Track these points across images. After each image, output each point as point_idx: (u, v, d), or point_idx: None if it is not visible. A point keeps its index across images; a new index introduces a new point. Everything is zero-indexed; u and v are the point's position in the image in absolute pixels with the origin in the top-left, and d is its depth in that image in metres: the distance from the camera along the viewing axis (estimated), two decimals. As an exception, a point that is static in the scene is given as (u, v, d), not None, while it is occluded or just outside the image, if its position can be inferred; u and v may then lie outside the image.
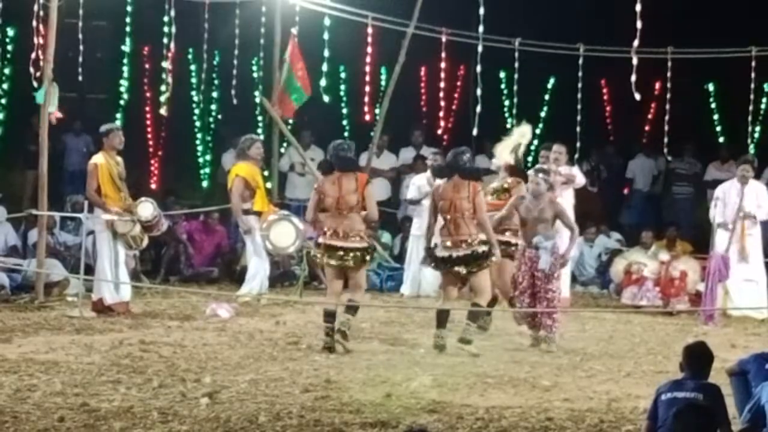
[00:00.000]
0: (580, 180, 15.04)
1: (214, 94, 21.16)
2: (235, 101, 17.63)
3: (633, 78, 12.57)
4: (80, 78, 15.89)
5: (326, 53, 16.11)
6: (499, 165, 12.48)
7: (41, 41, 13.71)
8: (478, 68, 14.48)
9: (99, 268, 12.94)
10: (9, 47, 19.97)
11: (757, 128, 19.30)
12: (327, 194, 11.01)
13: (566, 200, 14.78)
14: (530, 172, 11.84)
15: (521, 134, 12.63)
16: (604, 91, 22.59)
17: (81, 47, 15.38)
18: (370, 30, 16.18)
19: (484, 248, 10.93)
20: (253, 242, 14.03)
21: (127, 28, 16.69)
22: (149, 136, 21.54)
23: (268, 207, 14.22)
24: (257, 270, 14.05)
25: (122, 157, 13.22)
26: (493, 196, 12.07)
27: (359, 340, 11.82)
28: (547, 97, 22.05)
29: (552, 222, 11.62)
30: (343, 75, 21.63)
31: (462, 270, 10.99)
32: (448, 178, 11.23)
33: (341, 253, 10.91)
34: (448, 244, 11.03)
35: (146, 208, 13.01)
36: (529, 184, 11.68)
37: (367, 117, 17.75)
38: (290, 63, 15.87)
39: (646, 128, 21.79)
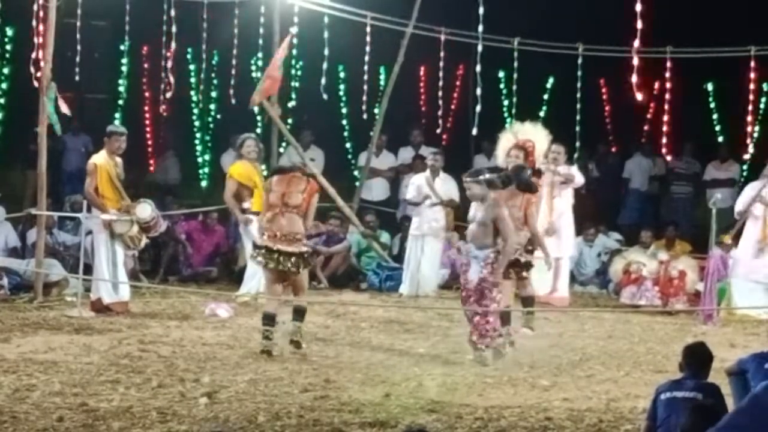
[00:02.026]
0: (579, 180, 15.04)
1: (213, 94, 21.16)
2: (234, 101, 17.64)
3: (634, 78, 12.58)
4: (78, 77, 15.90)
5: (325, 53, 16.10)
6: (516, 162, 12.49)
7: (40, 41, 13.69)
8: (478, 68, 14.47)
9: (96, 268, 12.94)
10: (8, 47, 20.00)
11: (757, 128, 19.30)
12: (273, 190, 10.82)
13: (565, 200, 14.81)
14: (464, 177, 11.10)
15: (534, 133, 12.71)
16: (603, 90, 22.62)
17: (79, 47, 15.38)
18: (369, 29, 16.17)
19: (529, 259, 11.64)
20: (251, 241, 14.00)
21: (126, 28, 16.67)
22: (148, 135, 21.55)
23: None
24: (256, 269, 14.02)
25: (121, 157, 13.20)
26: None
27: (358, 339, 11.83)
28: (546, 96, 22.08)
29: (492, 226, 10.61)
30: (342, 74, 21.64)
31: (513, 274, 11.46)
32: (505, 187, 11.36)
33: (282, 257, 10.65)
34: None
35: (144, 210, 13.00)
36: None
37: (366, 116, 17.74)
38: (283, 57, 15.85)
39: (645, 128, 21.82)
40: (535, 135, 12.68)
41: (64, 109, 13.61)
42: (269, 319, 10.78)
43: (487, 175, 10.75)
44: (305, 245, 10.92)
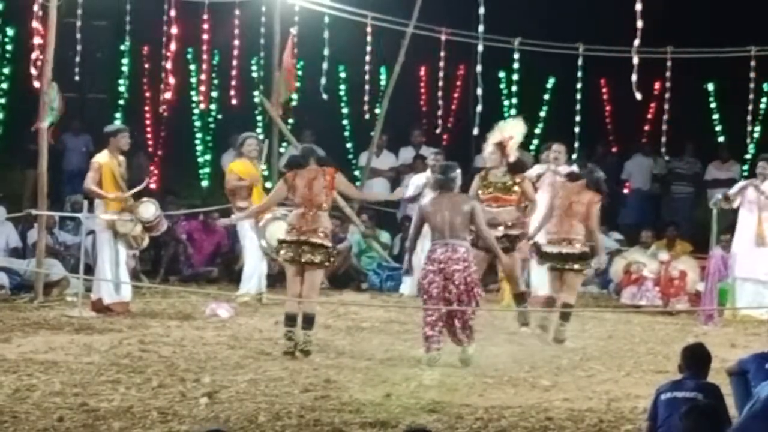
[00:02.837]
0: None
1: (214, 94, 21.16)
2: (234, 101, 17.62)
3: (634, 78, 12.58)
4: (79, 77, 15.89)
5: (326, 52, 16.10)
6: (492, 158, 12.48)
7: (41, 41, 13.69)
8: (479, 68, 14.48)
9: (99, 268, 12.93)
10: (9, 47, 20.00)
11: (757, 128, 19.30)
12: (298, 191, 10.78)
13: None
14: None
15: (514, 127, 12.67)
16: (604, 90, 22.61)
17: (79, 47, 15.38)
18: (369, 29, 16.17)
19: (586, 250, 11.79)
20: (248, 242, 13.99)
21: (127, 28, 16.68)
22: (149, 135, 21.55)
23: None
24: (253, 269, 14.01)
25: (127, 140, 13.18)
26: (496, 191, 12.22)
27: (358, 339, 11.82)
28: (546, 96, 22.06)
29: None
30: (342, 74, 21.64)
31: (567, 266, 11.77)
32: (574, 182, 12.12)
33: (302, 248, 10.63)
34: (554, 240, 11.89)
35: (148, 209, 13.00)
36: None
37: (367, 116, 17.74)
38: (285, 62, 15.88)
39: (646, 128, 21.81)
40: (514, 128, 12.62)
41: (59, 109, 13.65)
42: (291, 320, 10.75)
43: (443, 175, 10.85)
44: (329, 240, 10.81)
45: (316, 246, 10.66)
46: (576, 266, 11.80)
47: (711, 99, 22.02)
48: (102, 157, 12.99)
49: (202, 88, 19.04)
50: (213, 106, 21.56)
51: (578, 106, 16.32)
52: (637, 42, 12.30)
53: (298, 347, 10.67)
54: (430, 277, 10.53)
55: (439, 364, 10.38)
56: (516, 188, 12.20)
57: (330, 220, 11.05)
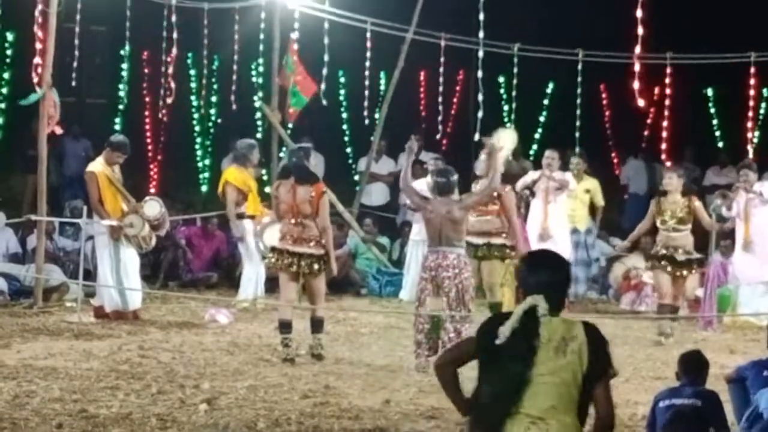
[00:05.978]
0: (573, 185, 15.05)
1: (214, 99, 21.18)
2: (234, 106, 17.64)
3: (636, 84, 12.59)
4: (78, 83, 15.90)
5: (326, 58, 16.11)
6: (482, 167, 12.43)
7: (40, 46, 13.70)
8: (479, 73, 14.48)
9: (100, 276, 12.89)
10: (8, 52, 20.03)
11: (756, 133, 19.32)
12: (281, 200, 10.83)
13: (559, 205, 14.79)
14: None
15: (508, 139, 12.63)
16: (603, 96, 22.64)
17: (77, 52, 15.39)
18: (369, 35, 16.19)
19: (697, 256, 12.83)
20: (246, 247, 14.00)
21: (126, 33, 16.69)
22: (148, 140, 21.58)
23: (260, 210, 14.17)
24: (252, 274, 14.01)
25: (121, 161, 13.17)
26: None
27: (358, 345, 11.82)
28: (546, 102, 22.09)
29: None
30: (342, 80, 21.65)
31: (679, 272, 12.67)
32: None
33: (295, 259, 10.65)
34: (670, 245, 12.73)
35: (153, 207, 13.01)
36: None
37: (366, 121, 17.75)
38: (297, 70, 15.90)
39: (645, 133, 21.84)
40: (504, 138, 12.55)
41: (56, 127, 13.63)
42: (286, 327, 10.75)
43: (443, 179, 10.84)
44: (323, 248, 10.73)
45: (306, 256, 10.64)
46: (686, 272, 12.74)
47: (710, 105, 22.06)
48: (96, 166, 12.91)
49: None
50: (213, 111, 21.58)
51: (578, 112, 16.33)
52: (637, 48, 12.30)
53: (311, 351, 10.71)
54: (422, 284, 10.59)
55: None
56: (497, 200, 12.09)
57: (314, 227, 10.76)
